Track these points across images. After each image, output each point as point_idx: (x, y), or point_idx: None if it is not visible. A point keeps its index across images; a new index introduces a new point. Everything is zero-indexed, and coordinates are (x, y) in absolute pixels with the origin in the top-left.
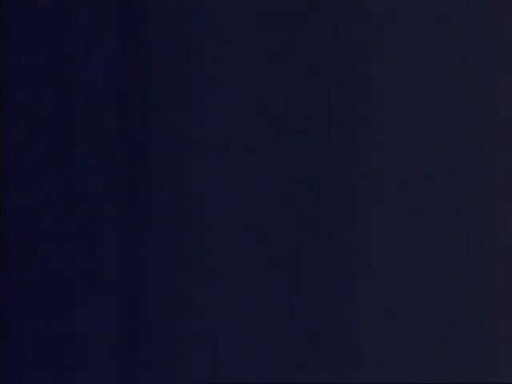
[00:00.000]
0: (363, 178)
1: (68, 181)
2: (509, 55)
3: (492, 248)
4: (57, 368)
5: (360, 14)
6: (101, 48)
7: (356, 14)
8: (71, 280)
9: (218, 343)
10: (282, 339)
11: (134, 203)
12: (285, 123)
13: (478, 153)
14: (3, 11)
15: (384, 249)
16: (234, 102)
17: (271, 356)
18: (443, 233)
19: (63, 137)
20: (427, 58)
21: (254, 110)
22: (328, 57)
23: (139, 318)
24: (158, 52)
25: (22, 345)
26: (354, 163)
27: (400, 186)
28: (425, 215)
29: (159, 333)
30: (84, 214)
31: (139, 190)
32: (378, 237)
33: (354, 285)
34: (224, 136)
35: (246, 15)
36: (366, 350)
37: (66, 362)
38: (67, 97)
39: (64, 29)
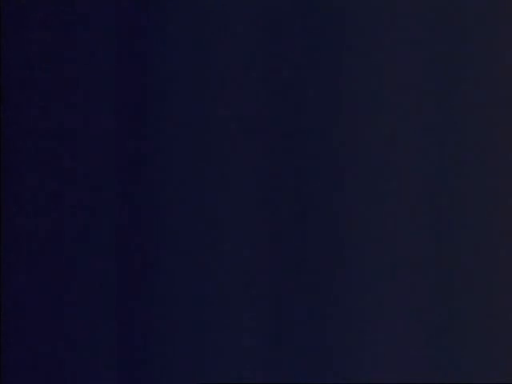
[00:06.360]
0: (367, 177)
1: (68, 181)
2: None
3: (493, 247)
4: (57, 368)
5: (360, 14)
6: (101, 49)
7: (357, 14)
8: (71, 280)
9: (222, 344)
10: (286, 340)
11: (135, 203)
12: (287, 124)
13: (479, 152)
14: (3, 11)
15: (389, 250)
16: (235, 105)
17: (274, 356)
18: (445, 234)
19: (63, 137)
20: (427, 57)
21: (255, 109)
22: (332, 58)
23: (140, 317)
24: (158, 55)
25: (21, 345)
26: (360, 164)
27: (404, 185)
28: (426, 216)
29: (160, 333)
30: (84, 213)
31: (140, 191)
32: (382, 238)
33: (359, 286)
34: (225, 138)
35: (246, 16)
36: (369, 350)
37: (66, 362)
38: (67, 97)
39: (63, 30)
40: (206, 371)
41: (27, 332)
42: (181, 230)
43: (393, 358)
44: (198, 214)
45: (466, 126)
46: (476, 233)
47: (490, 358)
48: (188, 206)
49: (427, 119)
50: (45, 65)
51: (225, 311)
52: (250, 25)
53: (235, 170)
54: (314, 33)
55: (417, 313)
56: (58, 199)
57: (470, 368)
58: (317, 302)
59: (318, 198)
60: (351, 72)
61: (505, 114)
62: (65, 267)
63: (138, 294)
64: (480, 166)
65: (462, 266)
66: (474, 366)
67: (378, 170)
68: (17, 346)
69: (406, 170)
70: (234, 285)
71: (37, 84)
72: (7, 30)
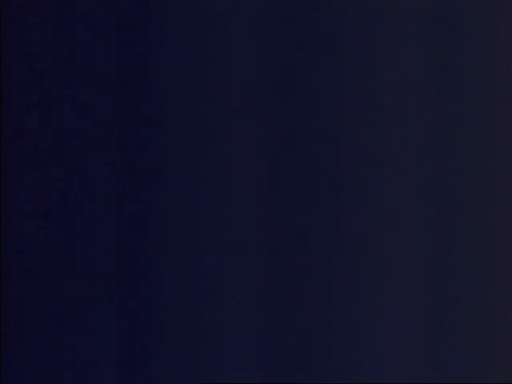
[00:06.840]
0: (367, 177)
1: (68, 181)
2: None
3: (493, 247)
4: (56, 368)
5: (361, 14)
6: (101, 49)
7: (357, 14)
8: (71, 280)
9: (220, 343)
10: (286, 340)
11: (135, 203)
12: (287, 124)
13: (479, 152)
14: (3, 11)
15: (389, 251)
16: (235, 104)
17: (274, 356)
18: (445, 234)
19: (63, 137)
20: (427, 57)
21: (256, 108)
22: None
23: (140, 318)
24: (159, 55)
25: (21, 345)
26: (359, 164)
27: (404, 185)
28: (426, 216)
29: (160, 333)
30: (84, 213)
31: (140, 191)
32: (383, 238)
33: (359, 286)
34: (225, 137)
35: (246, 16)
36: (369, 350)
37: (66, 362)
38: (67, 97)
39: (63, 30)
40: (206, 371)
41: (27, 332)
42: (181, 230)
43: (393, 358)
44: (198, 213)
45: (465, 125)
46: (476, 233)
47: (490, 357)
48: (188, 206)
49: (427, 119)
50: (45, 65)
51: (225, 311)
52: (250, 25)
53: (235, 169)
54: (313, 33)
55: (417, 313)
56: (58, 199)
57: (470, 368)
58: (317, 302)
59: (317, 198)
60: (351, 72)
61: (505, 114)
62: (65, 267)
63: (138, 293)
64: (480, 166)
65: (462, 266)
66: (473, 366)
67: (378, 169)
68: (17, 345)
69: (406, 169)
70: (234, 285)
71: (37, 84)
72: (7, 30)
